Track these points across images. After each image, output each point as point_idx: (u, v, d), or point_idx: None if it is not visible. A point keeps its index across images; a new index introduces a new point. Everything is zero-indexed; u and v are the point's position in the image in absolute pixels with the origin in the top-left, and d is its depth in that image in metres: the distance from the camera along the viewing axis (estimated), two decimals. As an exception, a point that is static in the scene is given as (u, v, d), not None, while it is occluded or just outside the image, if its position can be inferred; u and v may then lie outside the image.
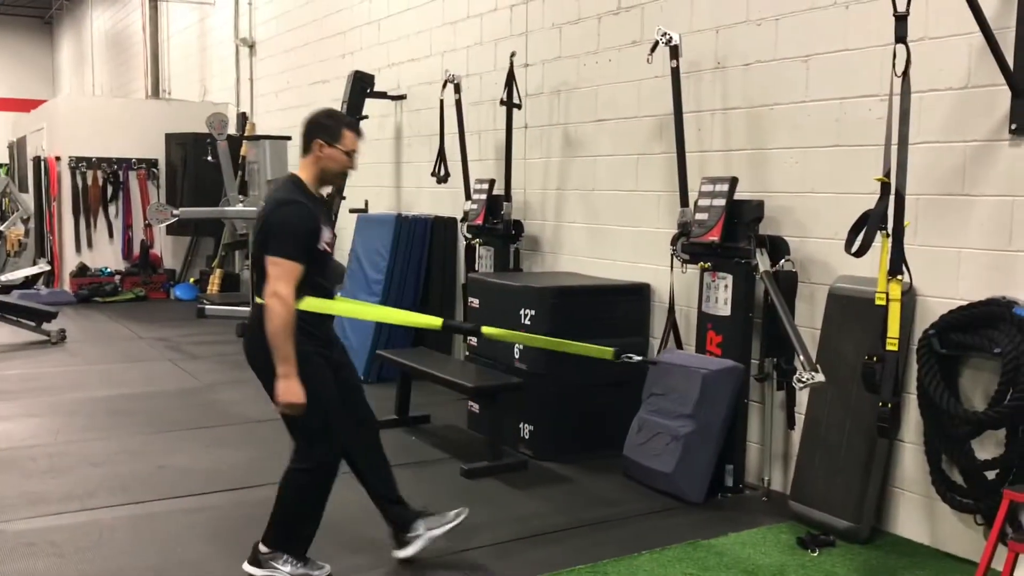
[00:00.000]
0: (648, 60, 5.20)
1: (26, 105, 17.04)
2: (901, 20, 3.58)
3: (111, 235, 12.39)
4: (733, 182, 4.80)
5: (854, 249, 3.74)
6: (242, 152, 10.48)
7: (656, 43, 5.12)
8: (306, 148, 3.58)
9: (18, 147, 15.40)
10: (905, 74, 3.60)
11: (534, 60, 6.62)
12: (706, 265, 4.89)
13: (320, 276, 3.54)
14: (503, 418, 5.25)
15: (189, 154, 11.88)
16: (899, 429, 4.14)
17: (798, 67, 4.67)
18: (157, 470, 5.02)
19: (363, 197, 8.66)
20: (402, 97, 8.38)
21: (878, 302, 3.63)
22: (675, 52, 5.07)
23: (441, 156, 7.42)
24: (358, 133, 3.66)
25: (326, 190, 4.00)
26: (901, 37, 3.58)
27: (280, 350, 3.33)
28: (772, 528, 4.31)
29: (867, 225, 3.70)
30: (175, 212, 9.40)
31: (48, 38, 28.04)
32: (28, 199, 13.43)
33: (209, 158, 10.04)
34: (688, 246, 4.97)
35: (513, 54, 6.53)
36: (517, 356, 5.43)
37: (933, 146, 4.03)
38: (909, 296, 4.01)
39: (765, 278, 4.57)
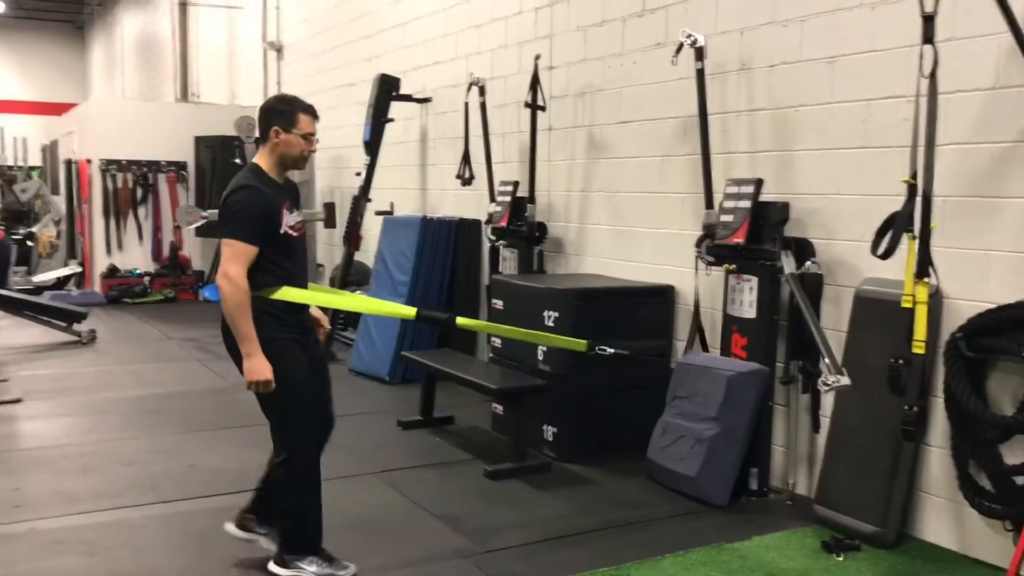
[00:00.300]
0: (673, 62, 5.19)
1: (59, 109, 17.28)
2: (929, 20, 3.55)
3: (141, 237, 12.53)
4: (758, 184, 4.78)
5: (880, 251, 3.72)
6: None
7: (681, 45, 5.11)
8: (263, 136, 3.61)
9: (51, 150, 15.63)
10: (932, 75, 3.57)
11: (559, 62, 6.63)
12: (731, 267, 4.88)
13: (287, 261, 3.54)
14: (527, 420, 5.26)
15: (217, 157, 12.00)
16: (925, 433, 4.10)
17: (824, 68, 4.65)
18: (187, 469, 5.08)
19: (389, 199, 8.71)
20: (427, 100, 8.42)
21: (904, 305, 3.60)
22: (700, 54, 5.06)
23: (466, 158, 7.44)
24: (314, 116, 3.66)
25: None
26: (929, 38, 3.55)
27: (239, 330, 3.37)
28: (797, 532, 4.28)
29: (894, 227, 3.68)
30: (204, 214, 9.50)
31: (80, 43, 28.47)
32: (60, 201, 13.64)
33: (237, 160, 10.13)
34: (713, 248, 4.95)
35: (538, 56, 6.54)
36: (541, 358, 5.44)
37: (961, 147, 3.99)
38: (936, 299, 3.97)
39: (790, 280, 4.55)
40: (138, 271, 12.32)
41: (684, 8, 5.50)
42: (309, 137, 3.61)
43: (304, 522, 3.64)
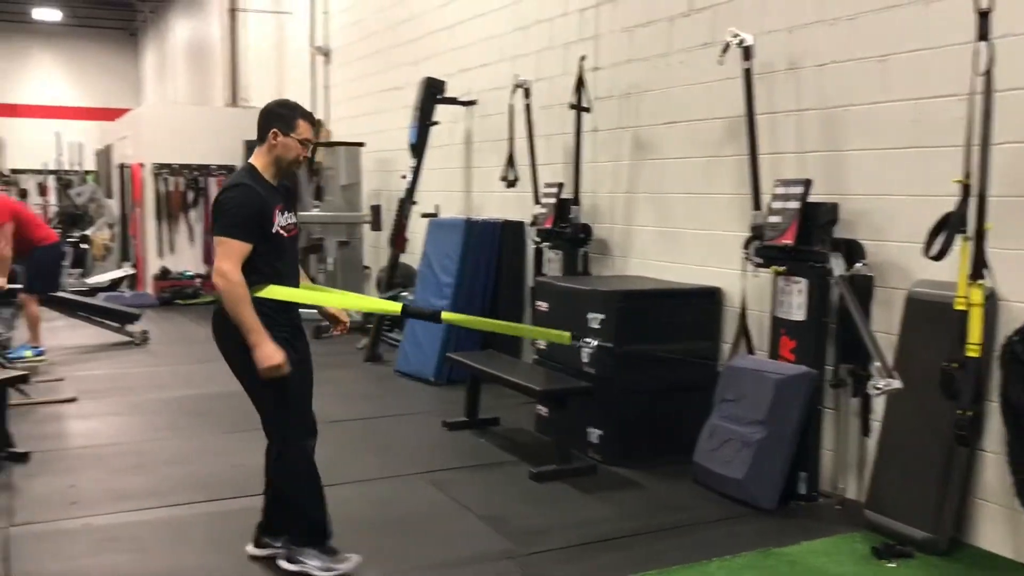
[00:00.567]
0: (719, 62, 5.15)
1: (112, 114, 17.65)
2: (984, 16, 3.49)
3: (192, 239, 12.74)
4: (807, 184, 4.72)
5: (933, 252, 3.66)
6: (317, 158, 10.68)
7: (728, 44, 5.07)
8: (261, 137, 3.66)
9: (105, 155, 15.97)
10: (987, 72, 3.50)
11: (604, 63, 6.61)
12: (779, 269, 4.82)
13: (278, 261, 3.59)
14: (571, 422, 5.25)
15: (266, 160, 12.14)
16: (980, 438, 4.01)
17: (874, 67, 4.57)
18: (232, 469, 5.14)
19: (434, 202, 8.75)
20: (472, 103, 8.44)
21: (958, 307, 3.54)
22: (747, 53, 5.02)
23: (510, 160, 7.46)
24: (313, 123, 3.72)
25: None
26: (984, 34, 3.48)
27: (243, 323, 3.43)
28: (846, 537, 4.22)
29: (947, 228, 3.62)
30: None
31: (133, 49, 29.06)
32: (114, 205, 13.94)
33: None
34: (761, 249, 4.90)
35: (583, 58, 6.53)
36: (586, 360, 5.42)
37: (1016, 146, 3.90)
38: (991, 301, 3.88)
39: (840, 282, 4.49)
40: (189, 273, 12.53)
41: (731, 7, 5.45)
42: (306, 142, 3.68)
43: (304, 513, 3.72)
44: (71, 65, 27.82)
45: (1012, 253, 3.90)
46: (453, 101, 8.42)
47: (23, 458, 5.19)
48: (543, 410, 5.82)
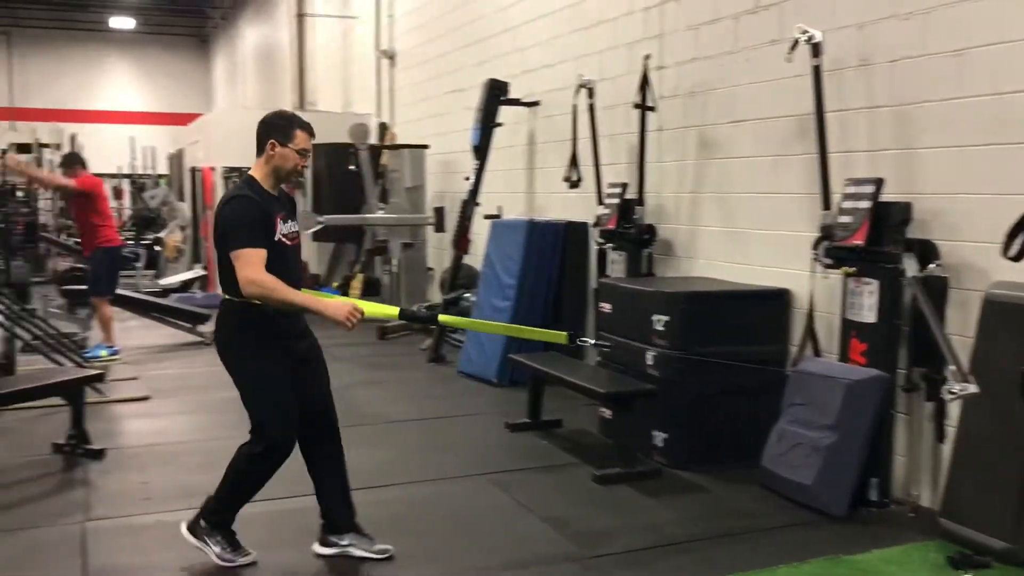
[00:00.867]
0: (788, 59, 5.06)
1: (184, 119, 18.08)
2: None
3: (260, 242, 12.95)
4: (879, 183, 4.61)
5: (1012, 253, 3.54)
6: (382, 161, 10.79)
7: (796, 41, 4.97)
8: (260, 148, 3.71)
9: (177, 159, 16.38)
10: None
11: (669, 62, 6.54)
12: (850, 270, 4.71)
13: (279, 268, 3.60)
14: (636, 425, 5.20)
15: (333, 163, 12.31)
16: (1063, 446, 3.86)
17: (949, 62, 4.44)
18: (300, 467, 5.20)
19: (497, 203, 8.77)
20: (535, 103, 8.44)
21: (1039, 309, 3.41)
22: (817, 50, 4.92)
23: (573, 161, 7.43)
24: (310, 133, 3.76)
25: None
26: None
27: (297, 304, 3.54)
28: (920, 546, 4.10)
29: (1027, 227, 3.49)
30: (320, 219, 9.77)
31: (204, 55, 29.78)
32: (185, 208, 14.27)
33: (352, 167, 10.38)
34: (831, 250, 4.79)
35: (647, 56, 6.48)
36: (650, 363, 5.36)
37: (1102, 142, 3.75)
38: (1074, 303, 3.74)
39: (914, 283, 4.37)
40: (258, 274, 12.72)
41: (799, 3, 5.35)
42: (304, 152, 3.73)
43: (240, 499, 3.82)
44: (145, 72, 28.64)
45: (1097, 253, 3.76)
46: (516, 102, 8.43)
47: (99, 455, 5.34)
48: (606, 412, 5.78)
